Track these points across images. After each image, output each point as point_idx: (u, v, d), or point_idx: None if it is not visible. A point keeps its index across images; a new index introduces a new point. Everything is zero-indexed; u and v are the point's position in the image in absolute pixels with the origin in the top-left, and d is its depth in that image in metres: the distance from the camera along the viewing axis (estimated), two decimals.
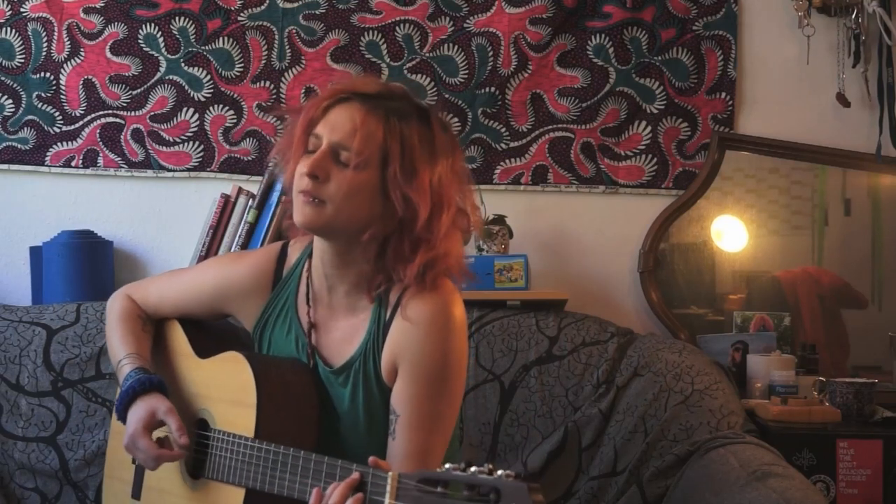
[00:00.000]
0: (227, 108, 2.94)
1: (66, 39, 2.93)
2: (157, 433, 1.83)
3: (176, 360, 1.98)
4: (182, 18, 2.94)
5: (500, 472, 1.32)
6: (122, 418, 1.85)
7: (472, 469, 1.34)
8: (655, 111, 2.93)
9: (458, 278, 1.78)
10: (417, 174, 1.69)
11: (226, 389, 1.83)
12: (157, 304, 2.01)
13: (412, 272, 1.70)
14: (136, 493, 1.96)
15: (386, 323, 1.75)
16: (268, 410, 1.73)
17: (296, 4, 2.94)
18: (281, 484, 1.65)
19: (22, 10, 2.94)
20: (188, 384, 1.93)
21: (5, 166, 2.96)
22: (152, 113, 2.94)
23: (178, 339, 1.99)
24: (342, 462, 1.56)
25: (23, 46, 2.95)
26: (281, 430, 1.72)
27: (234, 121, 2.94)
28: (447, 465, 1.37)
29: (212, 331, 2.04)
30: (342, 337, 1.81)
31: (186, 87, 2.94)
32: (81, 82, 2.94)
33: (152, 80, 2.94)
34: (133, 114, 2.94)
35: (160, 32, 2.94)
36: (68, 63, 2.94)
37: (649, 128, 2.94)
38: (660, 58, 2.93)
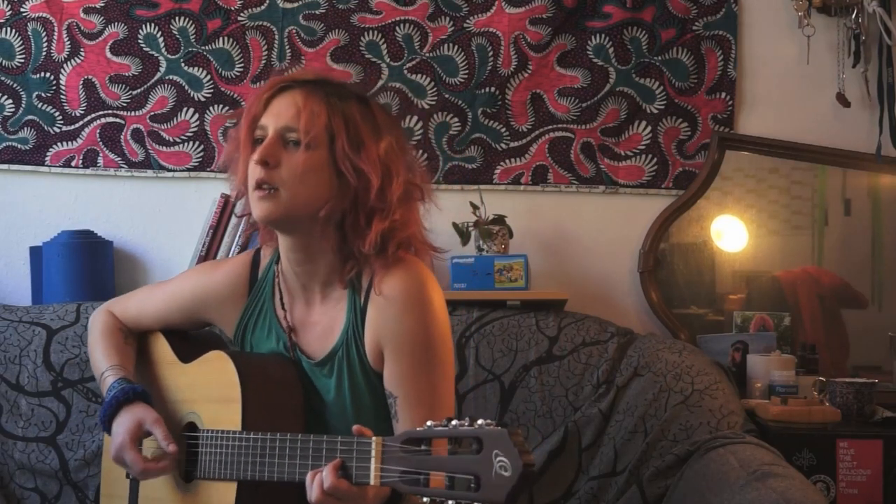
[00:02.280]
0: (227, 108, 2.94)
1: (66, 39, 2.93)
2: (146, 443, 1.84)
3: (160, 369, 1.99)
4: (182, 18, 2.94)
5: (480, 421, 1.35)
6: (108, 429, 1.85)
7: (454, 423, 1.37)
8: (655, 111, 2.93)
9: (420, 250, 1.81)
10: (365, 146, 1.74)
11: (211, 389, 1.84)
12: (138, 317, 2.03)
13: (371, 241, 1.73)
14: None
15: (362, 307, 1.77)
16: (253, 403, 1.74)
17: (296, 4, 2.94)
18: (271, 470, 1.66)
19: (22, 10, 2.94)
20: (174, 391, 1.94)
21: (5, 166, 2.96)
22: (152, 113, 2.94)
23: (162, 348, 2.00)
24: (327, 437, 1.58)
25: (23, 46, 2.95)
26: (267, 421, 1.73)
27: (235, 121, 2.93)
28: (429, 423, 1.40)
29: (195, 337, 2.05)
30: (322, 330, 1.83)
31: (186, 87, 2.94)
32: (81, 82, 2.94)
33: (152, 80, 2.94)
34: (133, 114, 2.94)
35: (160, 32, 2.94)
36: (68, 63, 2.94)
37: (649, 128, 2.93)
38: (660, 58, 2.93)
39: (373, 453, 1.47)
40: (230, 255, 2.76)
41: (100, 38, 2.94)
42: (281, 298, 1.87)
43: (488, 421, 1.34)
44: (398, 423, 1.73)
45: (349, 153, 1.73)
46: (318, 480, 1.53)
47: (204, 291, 1.96)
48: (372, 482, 1.47)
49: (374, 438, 1.49)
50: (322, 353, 1.81)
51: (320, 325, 1.83)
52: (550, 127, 2.94)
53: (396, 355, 1.73)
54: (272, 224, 1.78)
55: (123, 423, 1.82)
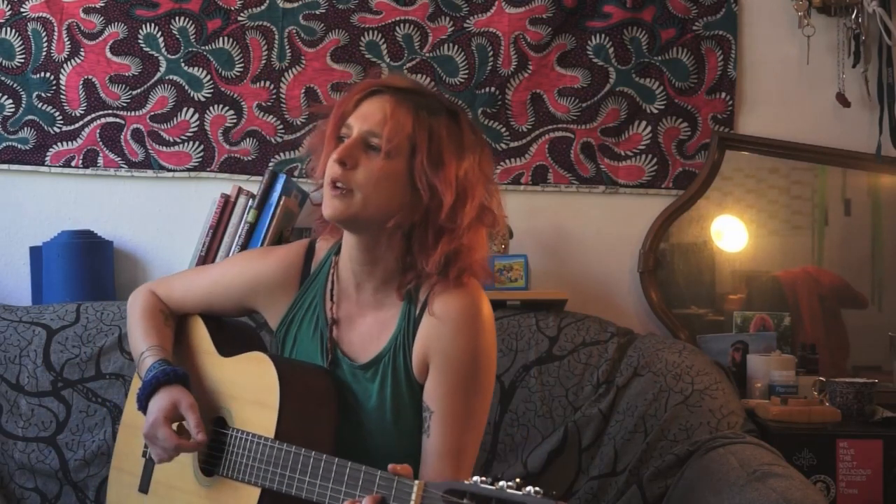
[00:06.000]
0: (227, 108, 2.94)
1: (66, 39, 2.93)
2: (176, 426, 1.84)
3: (197, 357, 1.98)
4: (182, 18, 2.94)
5: (528, 488, 1.32)
6: (143, 408, 1.85)
7: (501, 483, 1.34)
8: (655, 111, 2.93)
9: (481, 277, 1.81)
10: (444, 165, 1.73)
11: (248, 389, 1.83)
12: (182, 299, 2.02)
13: (434, 260, 1.73)
14: (144, 486, 1.96)
15: (416, 319, 1.78)
16: (289, 413, 1.74)
17: (296, 4, 2.94)
18: (300, 486, 1.66)
19: (22, 10, 2.94)
20: (209, 381, 1.93)
21: (5, 166, 2.96)
22: (152, 113, 2.94)
23: (201, 335, 1.99)
24: (365, 468, 1.57)
25: (23, 46, 2.95)
26: (300, 433, 1.73)
27: (234, 121, 2.94)
28: (475, 478, 1.36)
29: (233, 330, 2.05)
30: (369, 332, 1.83)
31: (186, 87, 2.94)
32: (81, 82, 2.94)
33: (152, 80, 2.94)
34: (133, 114, 2.94)
35: (160, 32, 2.94)
36: (68, 63, 2.94)
37: (649, 128, 2.93)
38: (660, 58, 2.93)
39: (413, 497, 1.45)
40: (230, 255, 2.76)
41: (100, 38, 2.94)
42: (332, 289, 1.86)
43: (536, 489, 1.31)
44: (429, 437, 1.73)
45: (427, 169, 1.72)
46: None
47: (255, 278, 1.95)
48: None
49: (416, 482, 1.46)
50: (366, 357, 1.81)
51: (368, 325, 1.83)
52: (550, 127, 2.94)
53: (441, 372, 1.74)
54: (340, 223, 1.78)
55: (159, 402, 1.82)
